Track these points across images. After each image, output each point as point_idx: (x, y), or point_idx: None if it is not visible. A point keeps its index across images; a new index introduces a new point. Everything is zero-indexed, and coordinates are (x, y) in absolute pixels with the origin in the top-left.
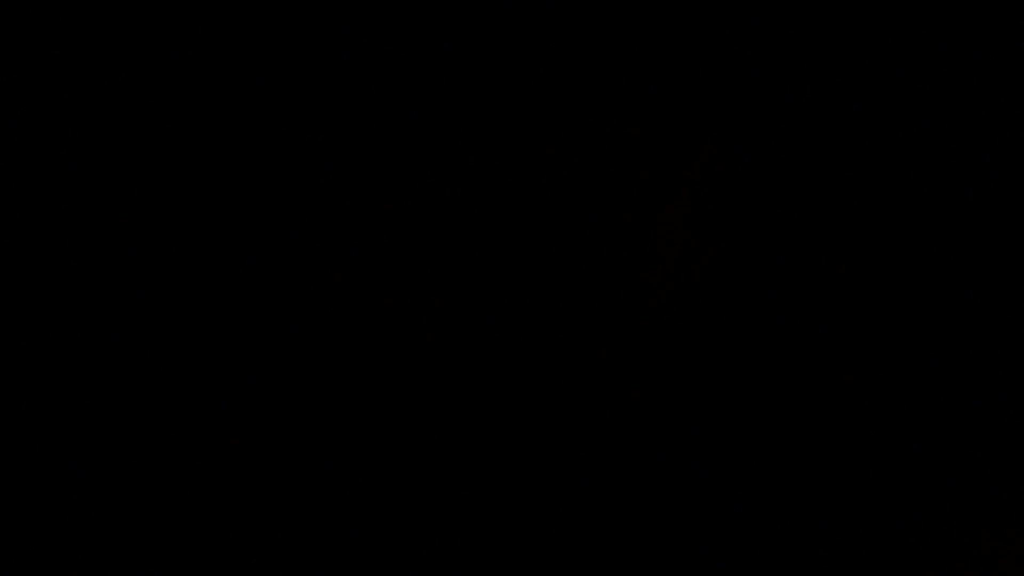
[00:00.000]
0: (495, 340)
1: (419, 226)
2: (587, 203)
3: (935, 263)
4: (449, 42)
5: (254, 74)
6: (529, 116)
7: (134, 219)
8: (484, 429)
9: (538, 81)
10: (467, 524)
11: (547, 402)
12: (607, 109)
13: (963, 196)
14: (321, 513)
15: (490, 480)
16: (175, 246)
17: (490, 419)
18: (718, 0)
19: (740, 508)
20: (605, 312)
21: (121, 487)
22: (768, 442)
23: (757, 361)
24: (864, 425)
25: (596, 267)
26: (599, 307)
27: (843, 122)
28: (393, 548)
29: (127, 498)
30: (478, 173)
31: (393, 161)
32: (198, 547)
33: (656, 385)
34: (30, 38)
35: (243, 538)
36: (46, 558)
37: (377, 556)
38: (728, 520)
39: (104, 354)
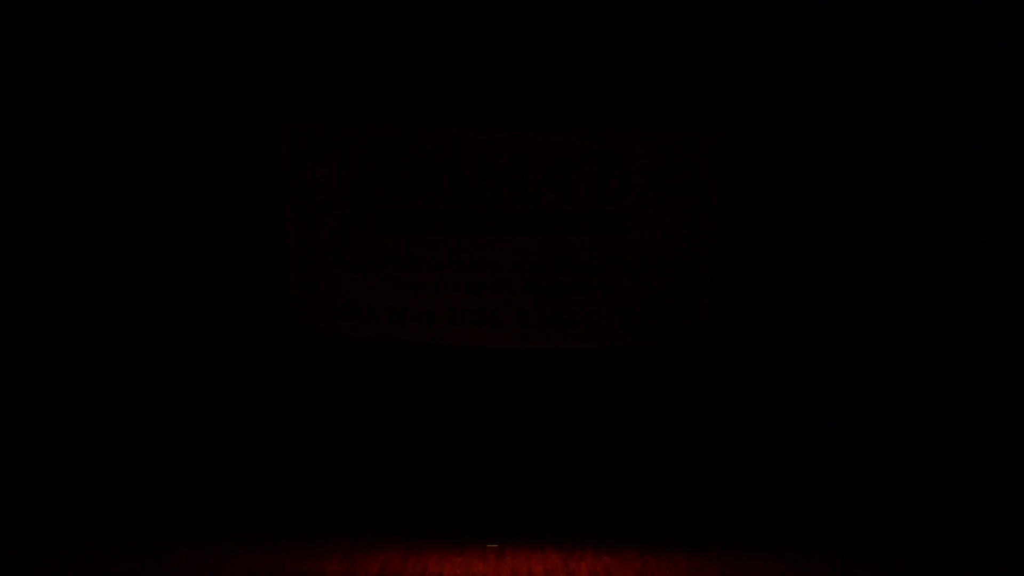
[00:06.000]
0: (493, 338)
1: (418, 226)
2: (587, 203)
3: (935, 264)
4: (450, 46)
5: (251, 79)
6: (530, 118)
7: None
8: (482, 427)
9: (539, 83)
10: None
11: (546, 399)
12: (607, 110)
13: (965, 197)
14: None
15: (489, 479)
16: (169, 248)
17: (488, 417)
18: (718, 2)
19: (739, 505)
20: (604, 311)
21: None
22: (767, 440)
23: (756, 360)
24: (865, 423)
25: (596, 266)
26: (599, 306)
27: (843, 123)
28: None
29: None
30: (478, 174)
31: (391, 162)
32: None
33: (655, 384)
34: None
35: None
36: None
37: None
38: (727, 517)
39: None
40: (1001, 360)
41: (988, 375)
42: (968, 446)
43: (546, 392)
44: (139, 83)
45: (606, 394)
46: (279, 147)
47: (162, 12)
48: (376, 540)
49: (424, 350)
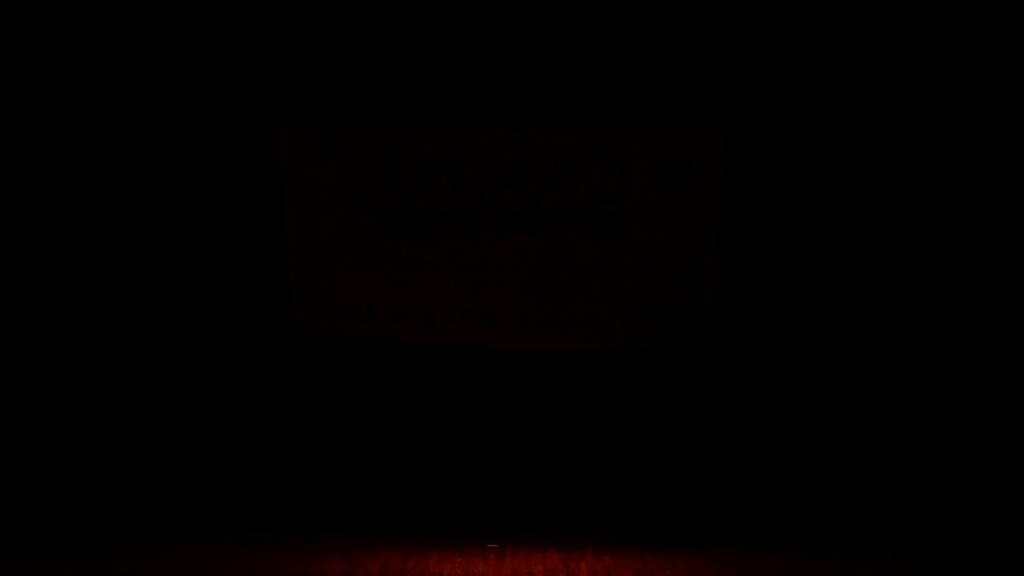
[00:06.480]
0: (493, 338)
1: (418, 226)
2: (587, 203)
3: (935, 264)
4: (450, 46)
5: (251, 79)
6: (530, 118)
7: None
8: (483, 427)
9: (539, 83)
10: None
11: (546, 399)
12: (607, 110)
13: (965, 197)
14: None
15: (489, 478)
16: (168, 247)
17: (488, 417)
18: (718, 2)
19: (739, 505)
20: (604, 311)
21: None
22: (767, 440)
23: (756, 360)
24: (865, 423)
25: (596, 266)
26: (599, 306)
27: (843, 123)
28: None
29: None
30: (478, 174)
31: (391, 162)
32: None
33: (655, 384)
34: None
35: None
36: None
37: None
38: (727, 517)
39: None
40: (1001, 360)
41: (988, 375)
42: (968, 446)
43: (546, 392)
44: (139, 83)
45: (606, 394)
46: (279, 147)
47: (162, 12)
48: (376, 540)
49: (424, 350)
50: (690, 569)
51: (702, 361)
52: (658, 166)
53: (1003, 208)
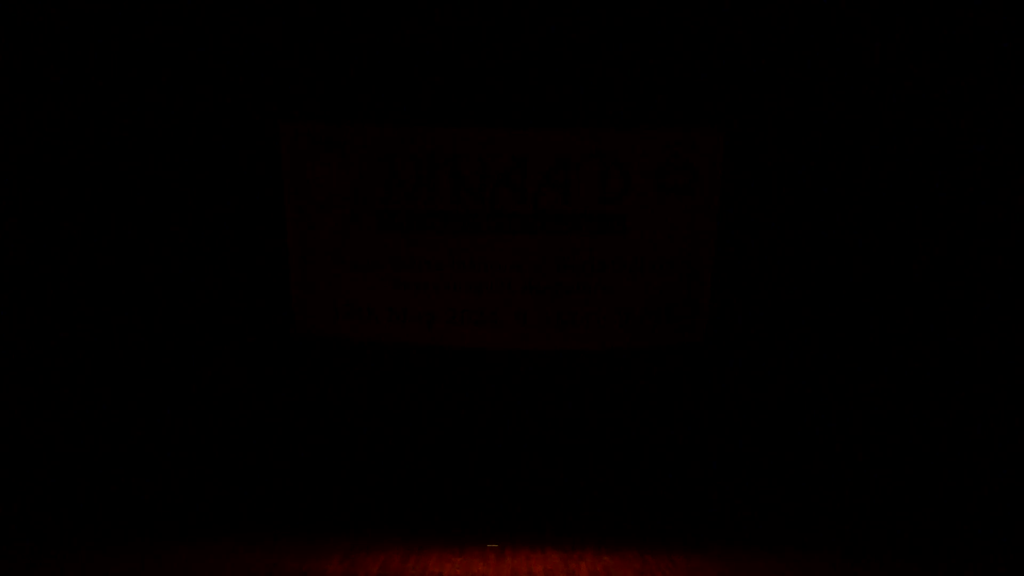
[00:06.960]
0: (493, 338)
1: (418, 226)
2: (587, 203)
3: (935, 264)
4: (450, 46)
5: (251, 79)
6: (530, 118)
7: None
8: (483, 427)
9: (539, 83)
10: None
11: (546, 399)
12: (607, 110)
13: (965, 197)
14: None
15: (489, 479)
16: (168, 247)
17: (488, 417)
18: (718, 2)
19: (739, 505)
20: (604, 311)
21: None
22: (767, 440)
23: (756, 360)
24: (865, 423)
25: (596, 266)
26: (599, 306)
27: (843, 123)
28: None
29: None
30: (478, 174)
31: (391, 162)
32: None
33: (655, 384)
34: None
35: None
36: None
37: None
38: (727, 517)
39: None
40: (1001, 360)
41: (988, 375)
42: (968, 446)
43: (546, 392)
44: (139, 83)
45: (606, 394)
46: (279, 147)
47: (162, 12)
48: (376, 540)
49: (424, 350)
50: (690, 569)
51: (702, 361)
52: (658, 166)
53: (1003, 208)
